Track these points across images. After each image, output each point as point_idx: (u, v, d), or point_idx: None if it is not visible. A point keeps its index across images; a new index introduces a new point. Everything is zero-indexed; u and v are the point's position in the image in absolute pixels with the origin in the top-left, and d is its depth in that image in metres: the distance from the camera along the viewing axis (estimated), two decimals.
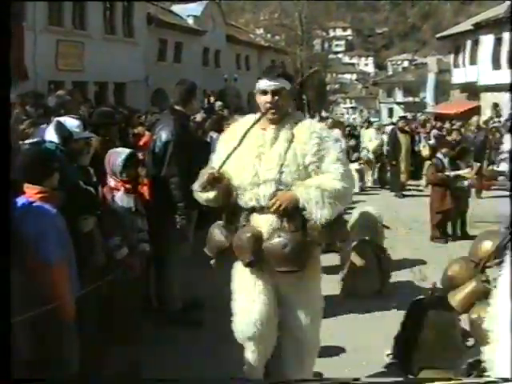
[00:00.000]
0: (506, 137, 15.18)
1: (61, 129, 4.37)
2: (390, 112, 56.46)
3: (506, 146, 14.45)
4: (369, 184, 16.03)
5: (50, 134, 4.41)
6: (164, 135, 5.42)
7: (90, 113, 6.95)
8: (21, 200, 3.62)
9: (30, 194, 3.67)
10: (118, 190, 4.91)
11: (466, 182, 9.59)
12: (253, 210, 3.63)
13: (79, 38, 21.73)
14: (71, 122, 4.48)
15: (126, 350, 4.74)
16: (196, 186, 3.64)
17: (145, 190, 5.73)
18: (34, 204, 3.63)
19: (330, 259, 6.91)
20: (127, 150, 5.11)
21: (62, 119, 4.53)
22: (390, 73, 76.99)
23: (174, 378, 4.36)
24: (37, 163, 3.79)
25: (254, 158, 3.63)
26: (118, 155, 4.96)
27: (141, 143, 7.39)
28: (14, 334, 3.03)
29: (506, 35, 29.02)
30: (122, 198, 4.93)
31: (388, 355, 4.97)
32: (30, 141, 4.41)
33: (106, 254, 4.55)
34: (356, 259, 6.57)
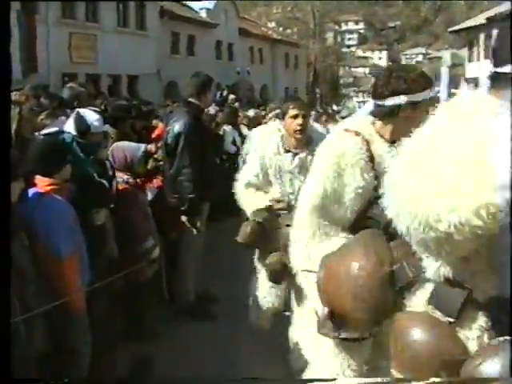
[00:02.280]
0: None
1: (79, 121, 4.33)
2: None
3: None
4: None
5: (69, 126, 4.37)
6: (177, 127, 5.40)
7: (104, 106, 6.92)
8: (31, 191, 3.59)
9: (41, 185, 3.65)
10: (129, 184, 4.90)
11: None
12: None
13: (92, 31, 21.78)
14: (91, 115, 4.43)
15: (137, 346, 4.75)
16: None
17: (156, 182, 5.71)
18: (45, 196, 3.60)
19: None
20: (139, 145, 5.11)
21: (81, 111, 4.48)
22: None
23: (174, 378, 4.31)
24: (48, 155, 3.76)
25: None
26: (133, 151, 4.95)
27: (153, 135, 7.36)
28: (22, 325, 3.02)
29: None
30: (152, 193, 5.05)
31: None
32: (46, 131, 4.36)
33: (137, 253, 4.64)
34: None
